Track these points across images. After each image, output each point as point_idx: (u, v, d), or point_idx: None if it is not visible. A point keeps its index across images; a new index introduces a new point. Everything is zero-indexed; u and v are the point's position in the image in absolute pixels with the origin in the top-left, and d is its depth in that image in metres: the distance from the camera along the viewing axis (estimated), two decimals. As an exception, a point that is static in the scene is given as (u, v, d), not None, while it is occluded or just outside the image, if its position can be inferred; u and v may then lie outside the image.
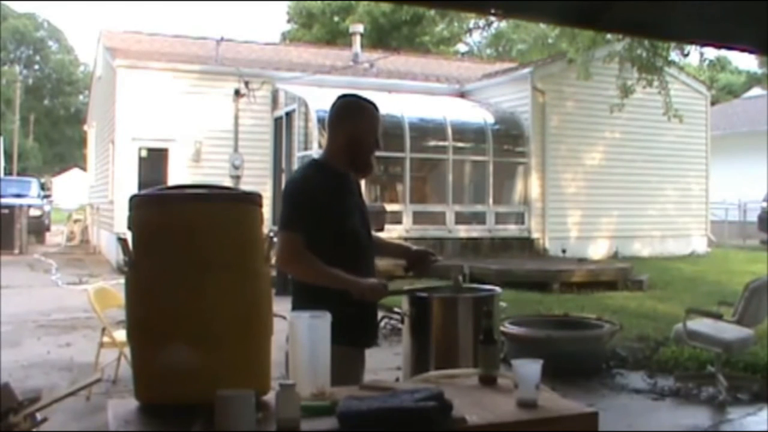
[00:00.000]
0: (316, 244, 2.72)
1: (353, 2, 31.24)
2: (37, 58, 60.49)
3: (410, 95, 16.07)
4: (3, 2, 51.57)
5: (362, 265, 2.84)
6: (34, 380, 5.86)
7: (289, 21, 37.69)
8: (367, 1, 29.15)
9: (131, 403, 2.13)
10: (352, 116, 2.85)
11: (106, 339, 5.34)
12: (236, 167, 15.48)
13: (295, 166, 15.14)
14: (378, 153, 2.92)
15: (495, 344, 2.46)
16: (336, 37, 29.29)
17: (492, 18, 16.53)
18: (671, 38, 8.62)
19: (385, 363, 6.57)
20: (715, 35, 3.96)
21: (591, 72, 13.47)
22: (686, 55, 15.00)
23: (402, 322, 2.99)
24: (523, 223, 15.13)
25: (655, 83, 13.40)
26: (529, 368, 2.19)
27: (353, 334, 2.69)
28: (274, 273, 2.37)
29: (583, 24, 5.52)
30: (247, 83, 15.59)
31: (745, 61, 46.62)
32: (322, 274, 2.72)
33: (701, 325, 5.76)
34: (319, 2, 33.73)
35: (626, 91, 13.47)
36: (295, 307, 2.73)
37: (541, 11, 3.82)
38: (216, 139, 15.46)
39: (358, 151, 2.85)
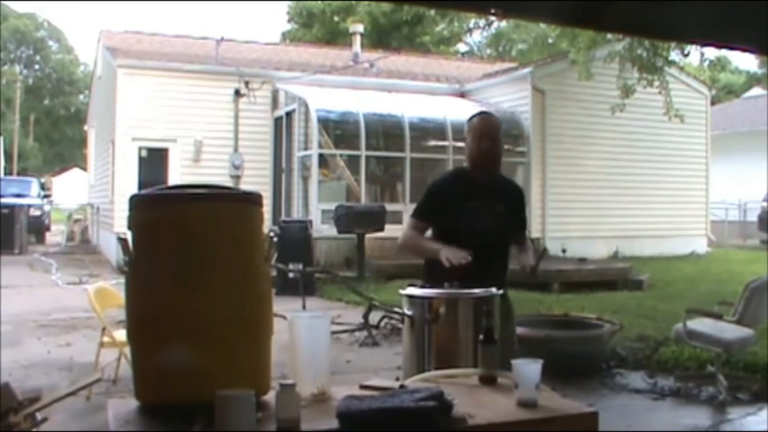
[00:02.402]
0: (439, 235, 3.40)
1: (353, 2, 31.23)
2: (38, 58, 60.44)
3: (410, 95, 16.07)
4: (3, 2, 51.56)
5: (476, 260, 3.18)
6: (34, 380, 5.86)
7: (289, 21, 37.70)
8: (367, 1, 29.15)
9: (131, 403, 2.13)
10: (466, 131, 3.53)
11: (106, 339, 5.33)
12: (236, 167, 15.49)
13: (295, 165, 15.18)
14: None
15: (495, 344, 2.47)
16: (336, 37, 29.26)
17: (492, 18, 16.54)
18: (671, 38, 8.62)
19: (385, 363, 6.59)
20: (715, 35, 3.96)
21: (592, 72, 13.48)
22: (686, 55, 15.02)
23: (402, 322, 2.99)
24: (523, 222, 15.12)
25: (656, 83, 13.41)
26: (529, 368, 2.19)
27: None
28: (274, 273, 2.38)
29: (583, 24, 5.52)
30: (247, 83, 15.60)
31: (745, 61, 46.63)
32: (418, 246, 3.43)
33: (701, 324, 5.75)
34: (319, 2, 33.71)
35: (627, 91, 13.47)
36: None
37: (541, 11, 3.81)
38: (216, 139, 15.46)
39: (469, 155, 3.47)
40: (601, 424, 2.17)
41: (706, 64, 15.96)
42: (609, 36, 12.56)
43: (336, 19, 32.50)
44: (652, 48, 12.85)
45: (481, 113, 3.64)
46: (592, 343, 6.56)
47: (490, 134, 3.43)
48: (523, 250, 3.61)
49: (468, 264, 3.12)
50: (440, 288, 2.94)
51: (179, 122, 15.14)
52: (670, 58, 13.67)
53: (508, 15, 10.39)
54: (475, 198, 3.39)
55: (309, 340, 2.23)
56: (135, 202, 2.20)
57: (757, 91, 30.65)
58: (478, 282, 2.94)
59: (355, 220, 12.24)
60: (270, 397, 2.07)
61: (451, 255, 3.15)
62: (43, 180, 27.71)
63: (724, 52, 30.14)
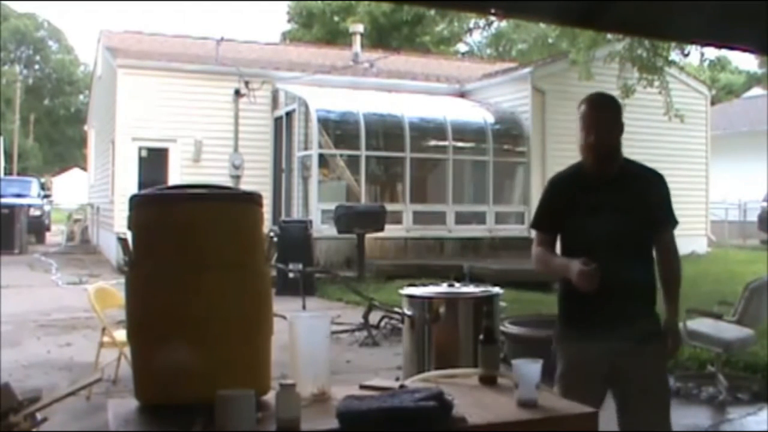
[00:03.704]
0: (562, 245, 2.94)
1: (353, 2, 31.22)
2: (37, 58, 60.42)
3: (410, 95, 16.07)
4: (3, 2, 51.57)
5: (609, 270, 2.72)
6: (34, 380, 5.86)
7: (289, 21, 37.70)
8: (367, 1, 29.14)
9: (131, 403, 2.13)
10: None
11: (106, 339, 5.34)
12: (236, 167, 15.49)
13: (295, 165, 15.18)
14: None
15: (495, 344, 2.46)
16: (336, 37, 29.25)
17: (492, 18, 16.54)
18: (671, 38, 8.62)
19: (385, 363, 6.59)
20: (715, 35, 3.96)
21: (592, 72, 13.48)
22: (686, 55, 15.04)
23: (402, 322, 2.99)
24: (523, 222, 15.12)
25: (656, 83, 13.41)
26: (529, 368, 2.19)
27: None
28: (274, 273, 2.37)
29: (583, 24, 5.52)
30: (247, 83, 15.60)
31: (745, 61, 46.61)
32: (547, 267, 2.96)
33: (701, 324, 5.75)
34: (319, 2, 33.71)
35: (627, 91, 13.47)
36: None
37: (541, 11, 3.81)
38: (216, 139, 15.47)
39: (579, 147, 2.91)
40: (601, 424, 2.17)
41: (706, 64, 16.02)
42: (609, 36, 12.56)
43: (336, 19, 32.49)
44: (652, 48, 12.86)
45: (591, 95, 3.07)
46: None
47: (596, 116, 2.88)
48: (664, 258, 2.99)
49: (599, 280, 2.68)
50: (577, 315, 2.85)
51: (179, 122, 15.14)
52: (670, 58, 13.68)
53: (508, 15, 10.39)
54: (593, 196, 2.86)
55: (309, 340, 2.23)
56: (135, 202, 2.20)
57: (757, 91, 30.64)
58: (622, 300, 2.71)
59: (355, 220, 12.24)
60: (270, 397, 2.07)
61: (581, 278, 2.71)
62: (43, 180, 27.74)
63: (724, 52, 30.15)
